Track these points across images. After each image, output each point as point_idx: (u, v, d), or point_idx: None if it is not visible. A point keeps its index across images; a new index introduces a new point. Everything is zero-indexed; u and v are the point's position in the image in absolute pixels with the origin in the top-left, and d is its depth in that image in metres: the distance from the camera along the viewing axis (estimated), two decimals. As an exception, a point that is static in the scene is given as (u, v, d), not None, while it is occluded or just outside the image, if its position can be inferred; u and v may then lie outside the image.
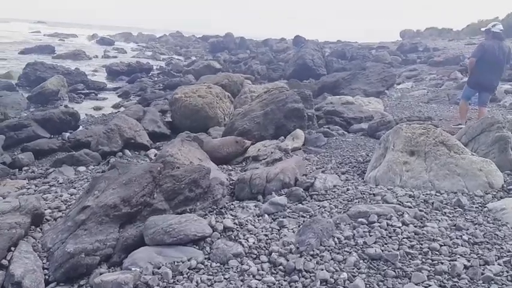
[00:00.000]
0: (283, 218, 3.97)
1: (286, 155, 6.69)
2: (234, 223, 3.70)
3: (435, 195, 4.16)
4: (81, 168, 6.81)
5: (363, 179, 5.30)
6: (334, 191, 4.58)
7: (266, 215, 4.03)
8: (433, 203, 3.92)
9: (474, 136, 5.47)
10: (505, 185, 4.41)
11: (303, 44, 24.56)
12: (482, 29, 7.89)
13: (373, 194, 4.26)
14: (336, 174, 5.42)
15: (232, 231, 3.58)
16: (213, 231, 3.53)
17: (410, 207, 3.81)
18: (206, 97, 9.47)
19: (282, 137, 7.41)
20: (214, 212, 3.91)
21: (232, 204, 4.32)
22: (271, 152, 6.50)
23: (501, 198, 4.06)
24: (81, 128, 9.95)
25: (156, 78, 20.91)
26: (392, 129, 5.36)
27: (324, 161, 6.33)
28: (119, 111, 11.90)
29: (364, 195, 4.29)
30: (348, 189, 4.56)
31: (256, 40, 50.36)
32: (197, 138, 5.96)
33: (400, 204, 3.90)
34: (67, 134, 9.08)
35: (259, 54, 33.12)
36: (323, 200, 4.38)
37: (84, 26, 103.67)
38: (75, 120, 9.76)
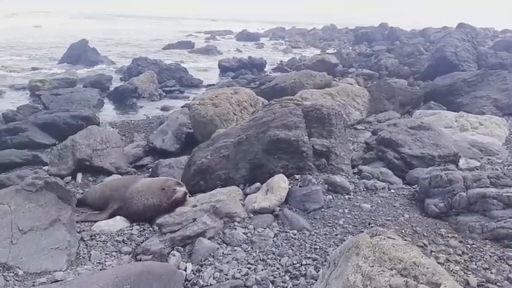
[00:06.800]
0: None
1: (228, 224, 3.80)
2: None
3: None
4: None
5: None
6: None
7: None
8: None
9: None
10: None
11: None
12: None
13: None
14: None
15: None
16: None
17: None
18: (220, 106, 6.95)
19: (258, 184, 4.46)
20: None
21: None
22: (193, 219, 3.69)
23: None
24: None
25: (262, 74, 19.07)
26: (348, 241, 2.04)
27: (275, 254, 3.27)
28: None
29: None
30: None
31: (416, 30, 44.25)
32: (59, 188, 3.58)
33: None
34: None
35: (404, 45, 28.01)
36: None
37: (253, 21, 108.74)
38: (91, 124, 8.46)
